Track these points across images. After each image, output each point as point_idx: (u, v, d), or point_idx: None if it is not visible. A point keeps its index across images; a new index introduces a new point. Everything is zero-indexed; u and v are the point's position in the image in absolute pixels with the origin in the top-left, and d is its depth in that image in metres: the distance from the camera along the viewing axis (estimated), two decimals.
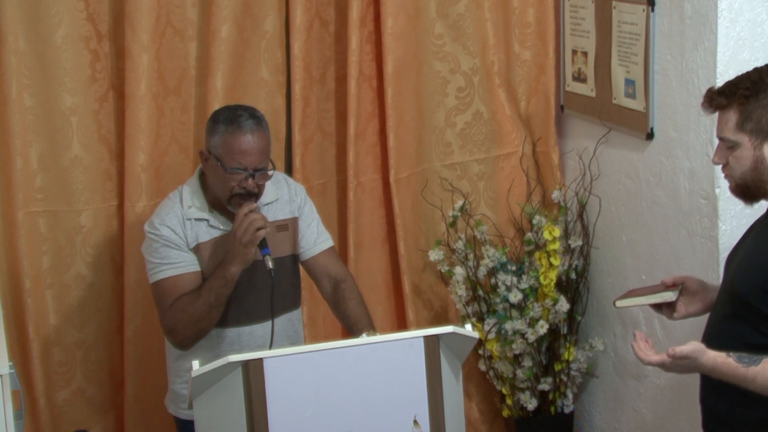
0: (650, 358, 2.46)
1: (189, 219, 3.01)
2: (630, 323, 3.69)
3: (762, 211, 2.64)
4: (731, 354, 2.39)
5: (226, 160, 2.92)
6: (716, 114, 2.52)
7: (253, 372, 2.42)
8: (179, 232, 2.99)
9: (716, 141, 3.08)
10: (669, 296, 2.74)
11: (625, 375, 3.79)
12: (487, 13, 3.91)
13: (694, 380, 2.76)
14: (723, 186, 3.13)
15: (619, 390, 3.84)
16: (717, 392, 2.57)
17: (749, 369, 2.36)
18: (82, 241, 3.59)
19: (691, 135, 3.26)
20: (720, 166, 2.56)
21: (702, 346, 2.40)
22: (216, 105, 3.44)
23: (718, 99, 2.48)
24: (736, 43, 3.11)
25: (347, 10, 3.67)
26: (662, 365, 2.44)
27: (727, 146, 2.48)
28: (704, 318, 2.73)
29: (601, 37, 3.65)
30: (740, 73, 2.52)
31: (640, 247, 3.62)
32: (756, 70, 2.50)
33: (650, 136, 3.45)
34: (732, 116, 2.46)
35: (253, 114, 2.97)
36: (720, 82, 3.08)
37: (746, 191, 2.51)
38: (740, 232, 2.78)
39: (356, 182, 3.80)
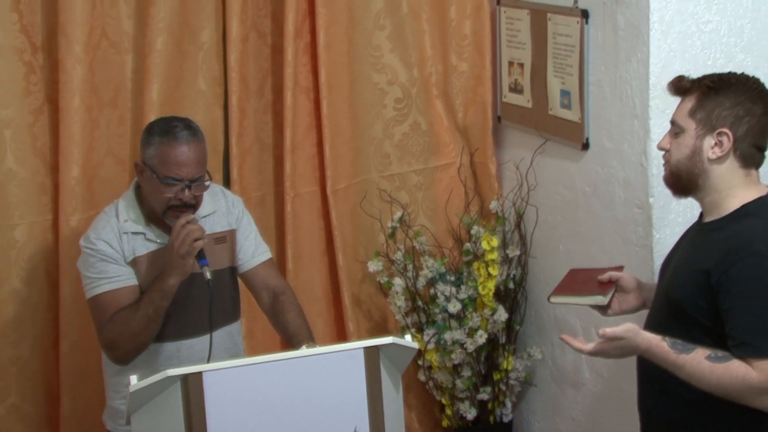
0: (587, 347, 2.49)
1: (125, 233, 2.98)
2: (567, 331, 3.72)
3: (694, 219, 2.69)
4: (666, 338, 2.43)
5: (162, 171, 2.89)
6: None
7: (192, 386, 2.40)
8: (116, 246, 2.96)
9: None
10: (600, 300, 2.78)
11: (563, 383, 3.82)
12: (424, 25, 3.93)
13: (630, 387, 2.80)
14: (657, 195, 3.19)
15: (557, 398, 3.87)
16: (655, 397, 2.61)
17: (680, 356, 2.40)
18: (16, 255, 3.52)
19: (626, 145, 3.31)
20: (656, 169, 2.61)
21: (636, 327, 2.44)
22: (153, 117, 3.40)
23: (683, 82, 2.54)
24: (667, 55, 3.16)
25: (284, 22, 3.67)
26: (600, 351, 2.47)
27: (675, 132, 2.54)
28: (638, 317, 2.77)
29: (536, 48, 3.69)
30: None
31: (577, 256, 3.65)
32: (729, 72, 2.57)
33: (585, 146, 3.50)
34: (689, 102, 2.52)
35: (189, 125, 2.95)
36: (653, 93, 3.15)
37: (677, 180, 2.55)
38: (674, 240, 2.82)
39: (294, 194, 3.79)
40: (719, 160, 2.49)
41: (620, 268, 2.91)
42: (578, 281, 2.87)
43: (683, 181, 2.54)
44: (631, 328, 2.44)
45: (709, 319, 2.45)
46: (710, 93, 2.49)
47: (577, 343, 2.52)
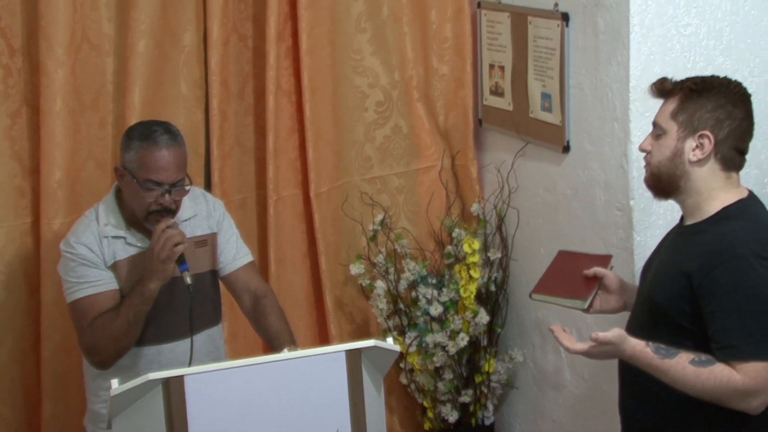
0: (575, 346, 2.49)
1: (106, 237, 2.97)
2: (548, 334, 3.72)
3: (675, 221, 2.70)
4: (650, 344, 2.44)
5: (142, 176, 2.88)
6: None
7: (173, 389, 2.39)
8: (96, 250, 2.95)
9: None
10: (580, 304, 2.80)
11: (544, 385, 3.83)
12: (405, 28, 3.94)
13: (611, 388, 2.81)
14: (638, 198, 3.20)
15: (538, 400, 3.88)
16: (636, 399, 2.62)
17: (664, 361, 2.41)
18: None
19: (606, 148, 3.32)
20: (636, 172, 2.62)
21: (624, 332, 2.45)
22: (134, 120, 3.40)
23: (666, 84, 2.56)
24: (647, 58, 3.17)
25: (265, 25, 3.66)
26: (588, 353, 2.48)
27: (657, 134, 2.55)
28: (618, 318, 2.78)
29: (517, 51, 3.70)
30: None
31: None
32: (712, 75, 2.59)
33: (566, 149, 3.51)
34: (671, 104, 2.53)
35: (168, 129, 2.94)
36: (633, 96, 3.16)
37: (658, 182, 2.56)
38: (654, 242, 2.83)
39: (276, 197, 3.79)
40: (700, 162, 2.51)
41: (608, 258, 2.92)
42: (563, 276, 2.88)
43: (664, 182, 2.55)
44: (620, 333, 2.44)
45: (691, 322, 2.46)
46: (692, 95, 2.50)
47: (566, 341, 2.52)
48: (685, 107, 2.50)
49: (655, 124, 2.57)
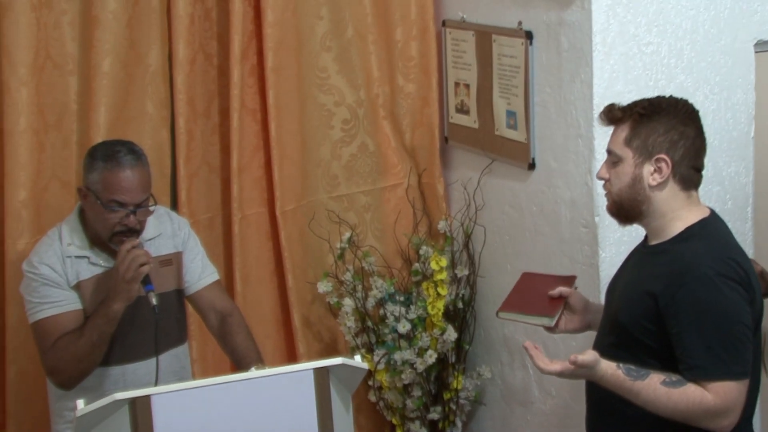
0: (549, 367, 2.47)
1: (69, 256, 2.95)
2: (516, 351, 3.75)
3: (640, 238, 2.72)
4: (621, 366, 2.44)
5: (106, 197, 2.87)
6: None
7: (140, 409, 2.38)
8: (59, 270, 2.93)
9: (595, 171, 3.19)
10: (548, 322, 2.80)
11: (512, 402, 3.84)
12: (371, 47, 3.95)
13: (578, 405, 2.82)
14: (602, 214, 3.22)
15: (506, 417, 3.89)
16: (603, 417, 2.63)
17: (635, 383, 2.42)
18: None
19: (571, 165, 3.34)
20: (602, 188, 2.62)
21: (598, 355, 2.44)
22: (99, 140, 3.38)
23: (615, 111, 2.55)
24: (610, 76, 3.20)
25: (229, 44, 3.67)
26: (561, 374, 2.47)
27: (612, 161, 2.55)
28: (584, 338, 2.79)
29: (482, 69, 3.72)
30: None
31: None
32: (659, 96, 2.59)
33: (532, 166, 3.53)
34: (623, 131, 2.53)
35: (132, 149, 2.93)
36: (596, 114, 3.18)
37: (620, 209, 2.57)
38: (620, 259, 2.85)
39: (241, 215, 3.78)
40: (660, 185, 2.51)
41: (572, 279, 2.93)
42: (529, 295, 2.89)
43: (627, 209, 2.56)
44: (595, 356, 2.44)
45: (657, 342, 2.47)
46: (643, 120, 2.51)
47: (540, 361, 2.48)
48: (637, 133, 2.51)
49: (609, 151, 2.57)
